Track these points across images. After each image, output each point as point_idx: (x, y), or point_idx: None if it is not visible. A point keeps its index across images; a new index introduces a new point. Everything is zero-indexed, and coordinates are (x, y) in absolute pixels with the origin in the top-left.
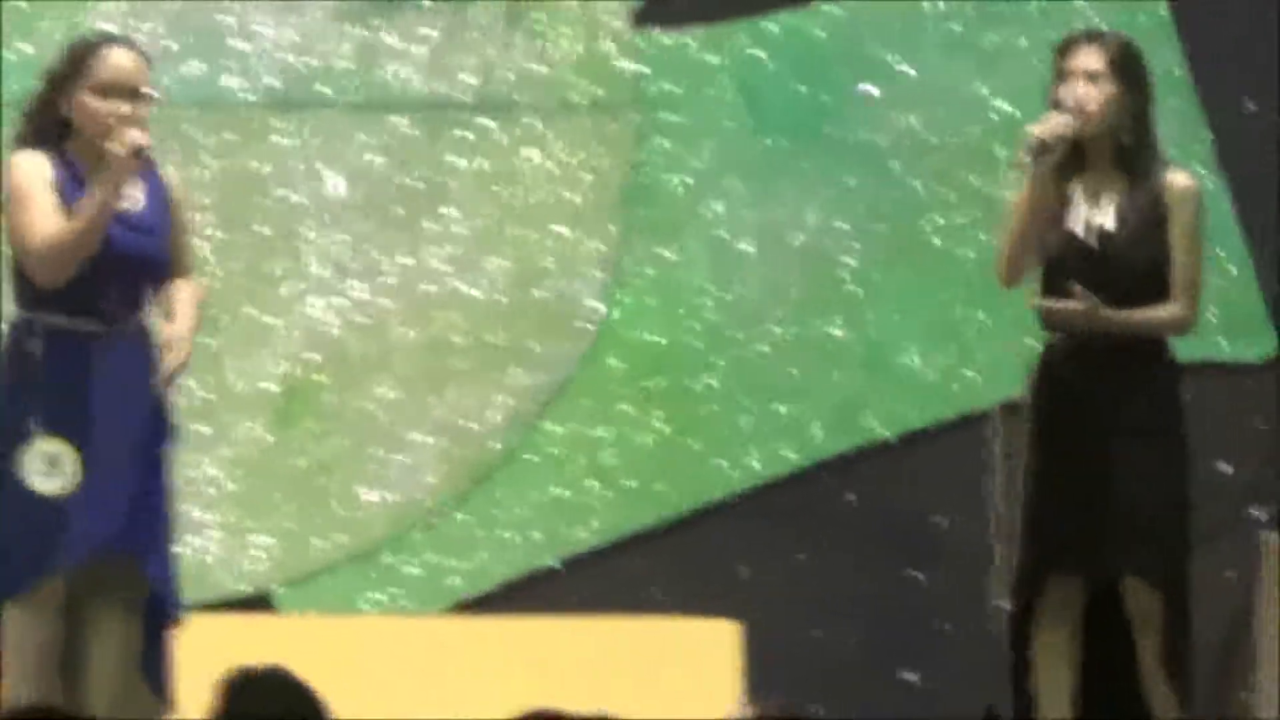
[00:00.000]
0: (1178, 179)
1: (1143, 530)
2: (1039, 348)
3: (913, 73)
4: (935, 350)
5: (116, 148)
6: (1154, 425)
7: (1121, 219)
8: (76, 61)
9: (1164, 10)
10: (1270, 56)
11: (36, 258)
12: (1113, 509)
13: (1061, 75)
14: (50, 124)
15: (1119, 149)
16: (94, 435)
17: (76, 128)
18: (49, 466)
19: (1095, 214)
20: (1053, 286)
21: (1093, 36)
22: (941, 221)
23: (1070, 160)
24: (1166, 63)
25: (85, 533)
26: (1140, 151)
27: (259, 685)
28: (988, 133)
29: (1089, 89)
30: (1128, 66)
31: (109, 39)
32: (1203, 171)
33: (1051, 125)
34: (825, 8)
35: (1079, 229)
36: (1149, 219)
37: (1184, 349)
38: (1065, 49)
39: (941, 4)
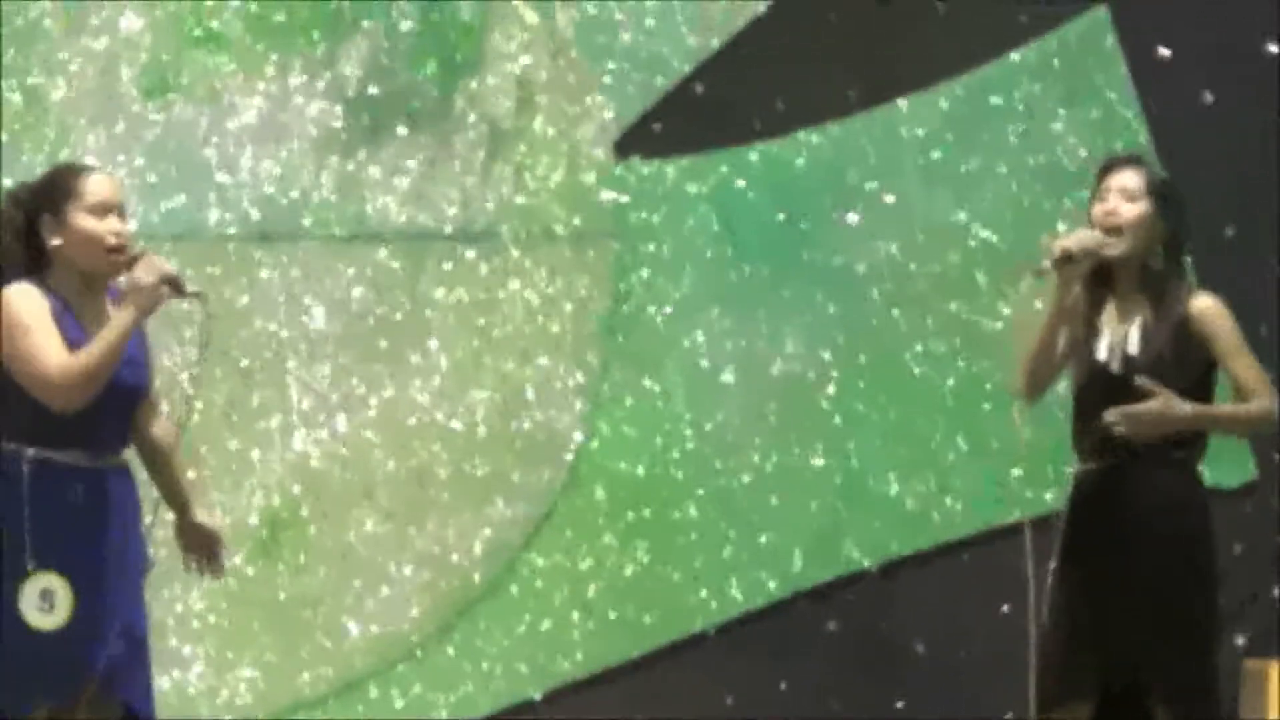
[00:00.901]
0: (1203, 302)
1: (1170, 656)
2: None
3: (892, 200)
4: (915, 479)
5: (144, 276)
6: (1184, 551)
7: (1145, 344)
8: (65, 186)
9: (1143, 136)
10: (1250, 182)
11: (56, 385)
12: (1140, 635)
13: (1099, 194)
14: (34, 253)
15: (1146, 274)
16: (86, 568)
17: (60, 255)
18: (44, 602)
19: (1120, 339)
20: (1081, 412)
21: (1133, 159)
22: (921, 350)
23: (1099, 285)
24: None
25: (80, 664)
26: (1168, 278)
27: None
28: (967, 260)
29: (1123, 205)
30: (1164, 192)
31: (87, 165)
32: None
33: (1079, 237)
34: (804, 136)
35: (1103, 354)
36: (1174, 344)
37: None
38: (1106, 169)
39: (920, 131)
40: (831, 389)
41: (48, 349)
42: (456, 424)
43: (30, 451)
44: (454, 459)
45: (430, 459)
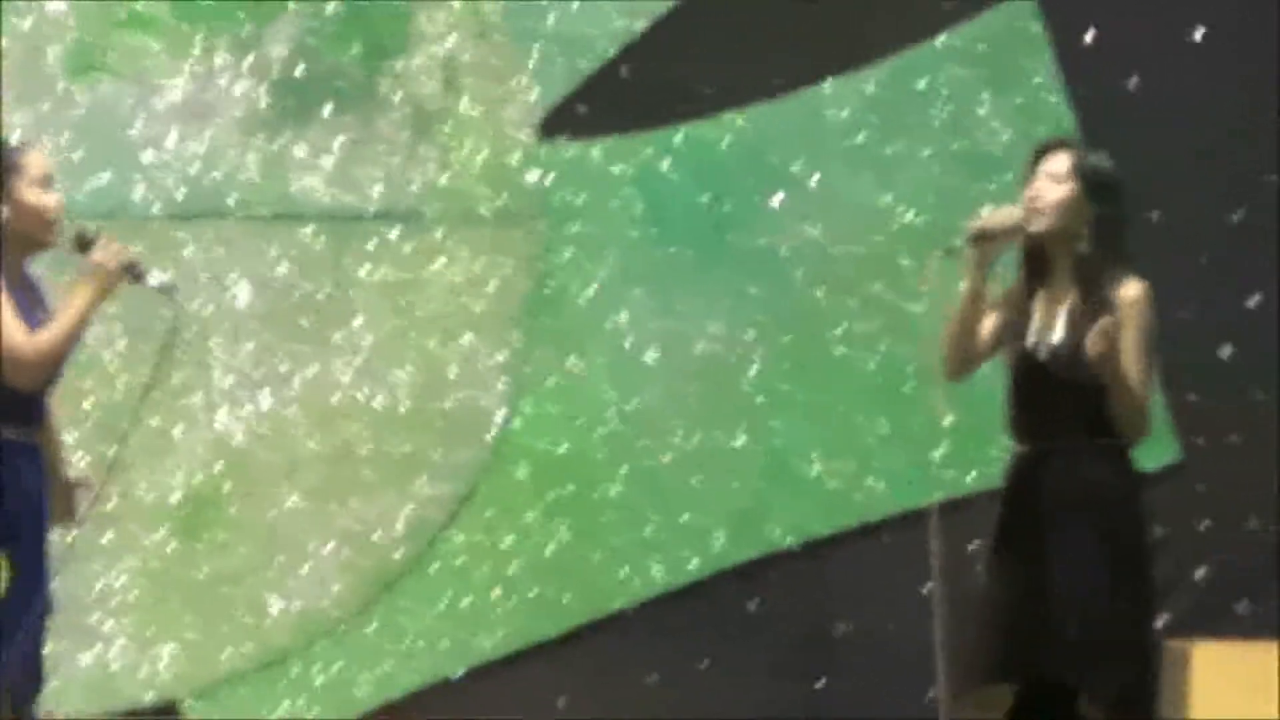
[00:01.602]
0: (1130, 290)
1: (1095, 644)
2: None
3: (816, 182)
4: (837, 459)
5: (106, 258)
6: (1115, 535)
7: (1069, 331)
8: (11, 161)
9: (1068, 121)
10: (1174, 166)
11: (27, 363)
12: (1066, 620)
13: (1030, 177)
14: None
15: (1079, 261)
16: (21, 543)
17: (9, 229)
18: None
19: (1048, 328)
20: (1013, 397)
21: (1064, 143)
22: (844, 331)
23: (1035, 272)
24: None
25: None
26: (1096, 263)
27: None
28: (891, 242)
29: (1049, 186)
30: (1093, 176)
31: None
32: None
33: (995, 215)
34: (729, 118)
35: (1030, 340)
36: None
37: None
38: (1038, 153)
39: (844, 114)
40: (754, 370)
41: (14, 327)
42: (379, 402)
43: None
44: (376, 437)
45: (353, 437)
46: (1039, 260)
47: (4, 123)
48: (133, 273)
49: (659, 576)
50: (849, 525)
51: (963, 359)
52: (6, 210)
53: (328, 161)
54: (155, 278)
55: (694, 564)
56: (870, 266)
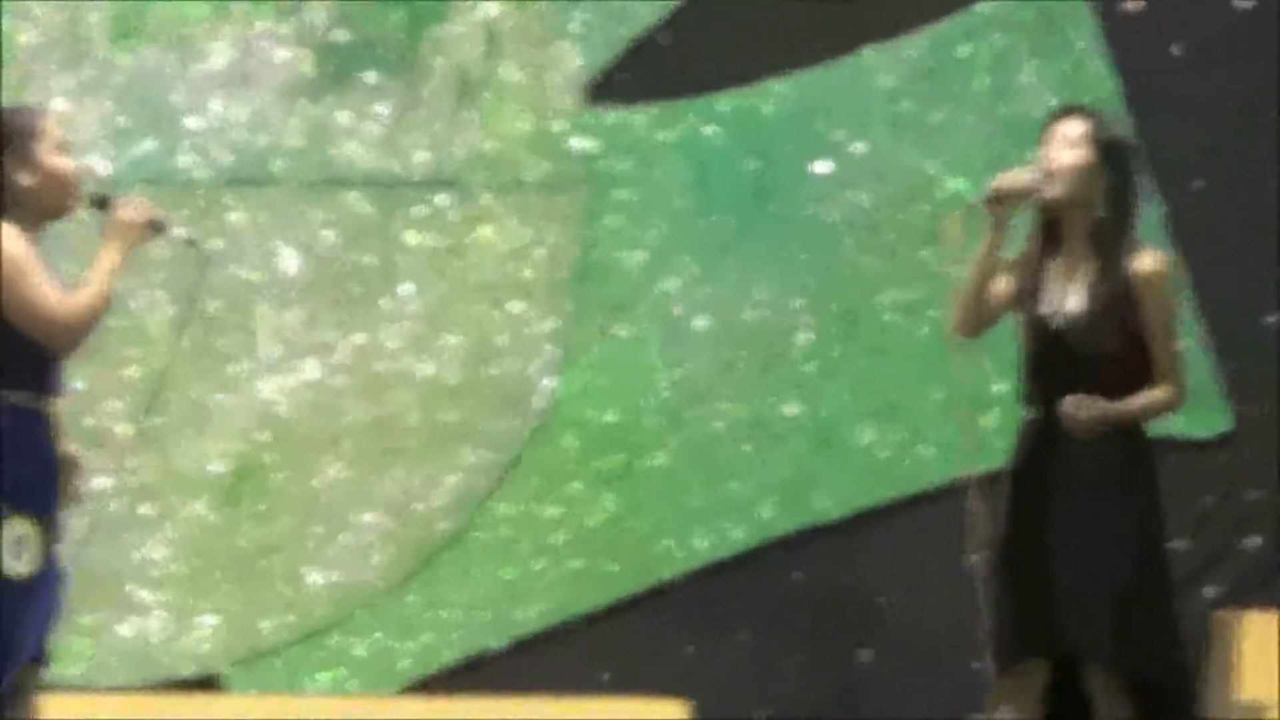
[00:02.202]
0: (1144, 261)
1: (1103, 615)
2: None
3: (862, 150)
4: (886, 428)
5: (133, 216)
6: (1125, 508)
7: (1085, 301)
8: (29, 126)
9: (1112, 87)
10: (1222, 131)
11: (65, 328)
12: (1074, 591)
13: (1045, 141)
14: (7, 195)
15: (1095, 229)
16: (51, 514)
17: (26, 195)
18: (18, 548)
19: (1063, 296)
20: (1026, 363)
21: (1080, 109)
22: (893, 298)
23: (1050, 238)
24: None
25: (53, 611)
26: (1111, 231)
27: None
28: (937, 209)
29: (1064, 151)
30: (1109, 143)
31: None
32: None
33: (1010, 176)
34: (775, 85)
35: (1045, 309)
36: (1115, 302)
37: None
38: (1054, 118)
39: (890, 81)
40: (803, 337)
41: (50, 292)
42: (426, 371)
43: (10, 396)
44: (422, 406)
45: (399, 406)
46: (1053, 225)
47: (46, 90)
48: (155, 227)
49: (704, 547)
50: (897, 495)
51: (974, 318)
52: (28, 176)
53: (372, 128)
54: (178, 231)
55: (739, 535)
56: (917, 234)
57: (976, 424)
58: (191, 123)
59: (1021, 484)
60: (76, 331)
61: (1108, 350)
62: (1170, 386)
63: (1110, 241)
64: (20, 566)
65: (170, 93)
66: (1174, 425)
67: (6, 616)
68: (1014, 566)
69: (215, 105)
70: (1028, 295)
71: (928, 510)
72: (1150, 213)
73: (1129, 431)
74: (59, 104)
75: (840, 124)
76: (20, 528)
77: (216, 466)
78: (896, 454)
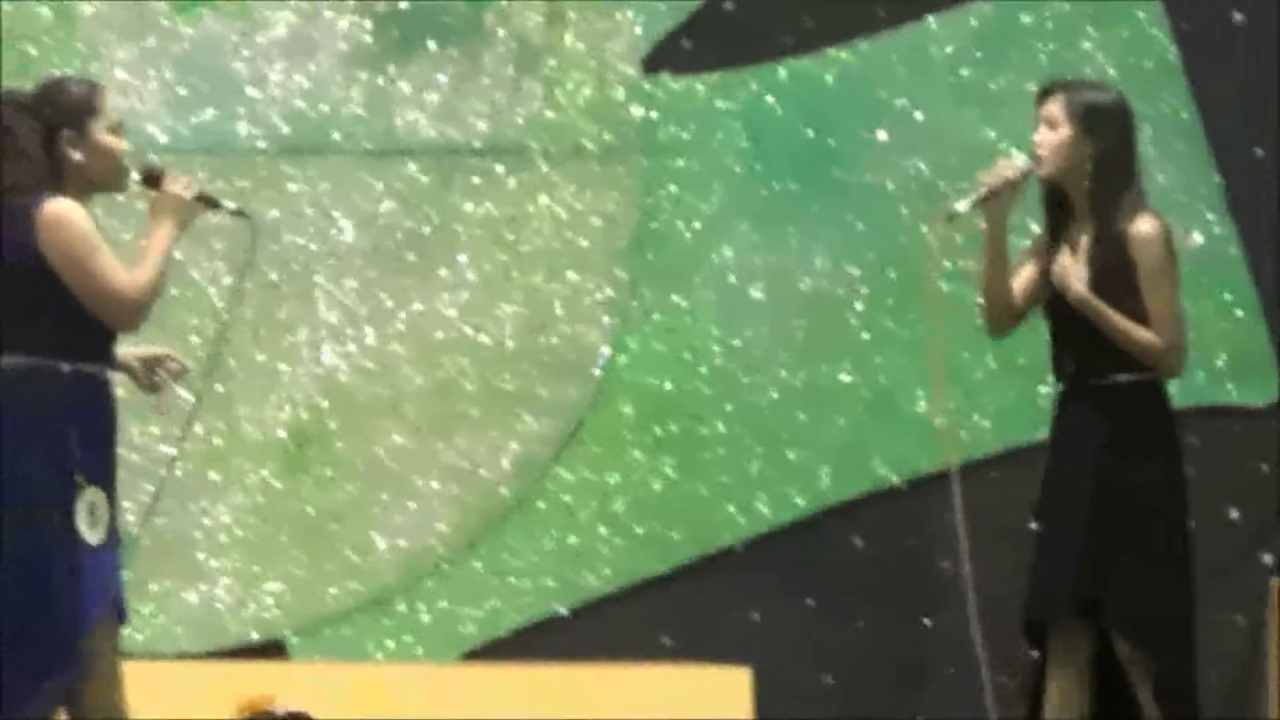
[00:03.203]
0: (1140, 226)
1: (1124, 582)
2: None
3: (921, 117)
4: (943, 395)
5: (182, 190)
6: (1147, 477)
7: (1092, 270)
8: (86, 102)
9: (1172, 55)
10: (1278, 100)
11: (130, 302)
12: (1098, 560)
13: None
14: (55, 167)
15: (1095, 197)
16: (113, 481)
17: (77, 172)
18: (92, 516)
19: (1070, 260)
20: (1052, 342)
21: (1058, 85)
22: (950, 266)
23: (1057, 218)
24: (1174, 107)
25: (116, 576)
26: (1106, 199)
27: None
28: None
29: (1044, 132)
30: (1087, 114)
31: (95, 81)
32: (1211, 216)
33: (996, 170)
34: (834, 53)
35: (1059, 283)
36: (1115, 267)
37: (1191, 393)
38: (1037, 99)
39: (950, 49)
40: (860, 305)
41: (115, 267)
42: (484, 338)
43: (65, 366)
44: (482, 373)
45: (458, 373)
46: (1060, 205)
47: (109, 58)
48: (205, 202)
49: (765, 513)
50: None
51: (1000, 315)
52: (80, 152)
53: (432, 96)
54: (227, 204)
55: (800, 501)
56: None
57: (1035, 392)
58: (252, 91)
59: (1052, 453)
60: (138, 307)
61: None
62: (1157, 337)
63: (1105, 208)
64: (94, 534)
65: (231, 61)
66: (1228, 393)
67: (81, 582)
68: (1041, 531)
69: (276, 74)
70: (1046, 276)
71: (985, 476)
72: (1208, 181)
73: (1150, 402)
74: (120, 73)
75: (901, 92)
76: (92, 495)
77: (281, 433)
78: (953, 420)
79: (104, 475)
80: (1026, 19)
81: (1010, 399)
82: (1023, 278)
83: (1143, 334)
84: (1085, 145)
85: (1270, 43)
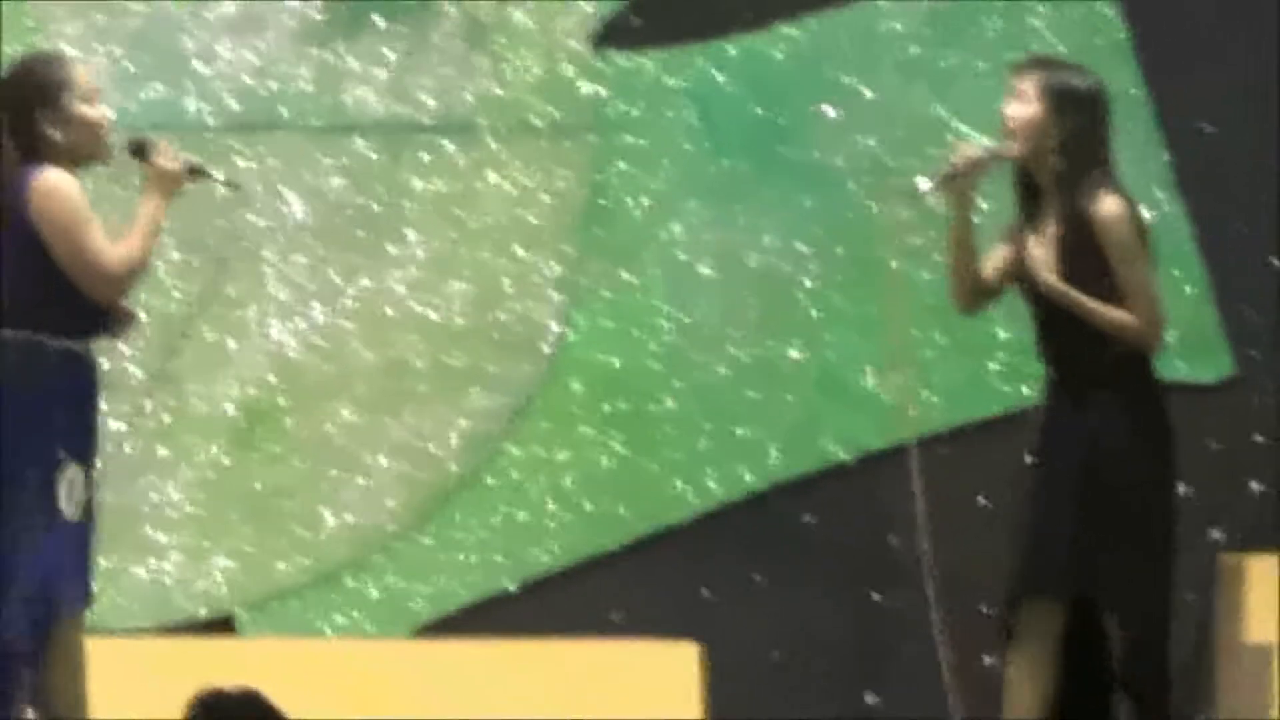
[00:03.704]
0: (1101, 206)
1: (1104, 555)
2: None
3: (871, 94)
4: (892, 372)
5: (169, 163)
6: (1136, 455)
7: (1059, 253)
8: (58, 77)
9: (1122, 33)
10: (1228, 78)
11: (116, 276)
12: (1080, 533)
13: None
14: (42, 148)
15: (1062, 179)
16: (93, 460)
17: (57, 148)
18: (70, 492)
19: (1039, 246)
20: (1034, 327)
21: (1030, 62)
22: (899, 244)
23: (1028, 201)
24: (1124, 84)
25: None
26: (1070, 178)
27: (229, 705)
28: (946, 154)
29: (1016, 109)
30: (1057, 91)
31: (62, 54)
32: (1160, 193)
33: (961, 151)
34: (783, 30)
35: (1031, 264)
36: (1082, 249)
37: None
38: (1015, 72)
39: (899, 26)
40: (809, 282)
41: (104, 243)
42: (434, 315)
43: (53, 341)
44: (431, 350)
45: (407, 350)
46: (1031, 188)
47: (57, 35)
48: (194, 172)
49: (715, 490)
50: (904, 439)
51: (968, 294)
52: (59, 127)
53: (381, 73)
54: (216, 174)
55: (749, 478)
56: (887, 193)
57: (984, 369)
58: (201, 68)
59: (1041, 434)
60: (124, 280)
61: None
62: (1133, 316)
63: (1070, 189)
64: (71, 510)
65: (180, 38)
66: (1177, 370)
67: (58, 559)
68: (1026, 511)
69: (224, 50)
70: (1020, 259)
71: (935, 454)
72: (1157, 159)
73: (1133, 385)
74: (69, 49)
75: (850, 69)
76: (71, 472)
77: (230, 409)
78: (902, 398)
79: (85, 452)
80: None
81: (960, 376)
82: (996, 257)
83: (1117, 314)
84: (1054, 125)
85: (1220, 20)
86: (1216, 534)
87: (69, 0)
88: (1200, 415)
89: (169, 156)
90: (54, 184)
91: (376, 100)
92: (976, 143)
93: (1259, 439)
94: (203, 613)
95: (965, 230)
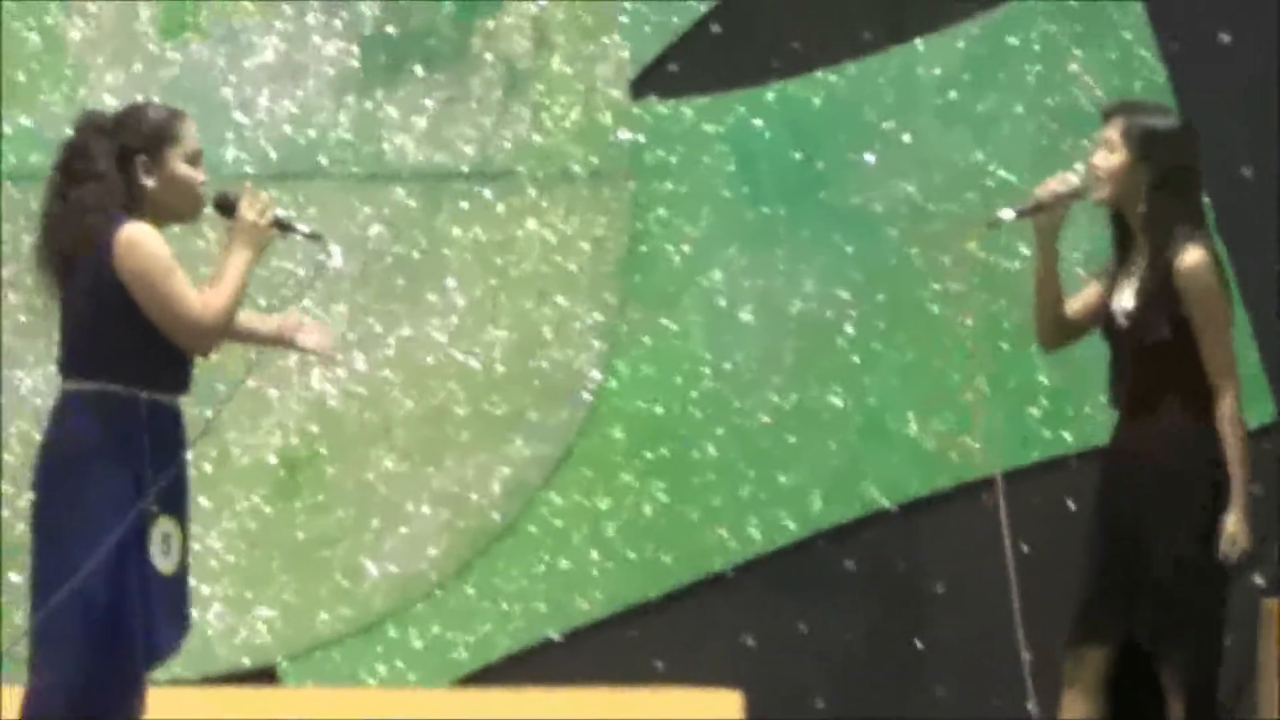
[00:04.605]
0: (1185, 259)
1: (1161, 604)
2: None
3: (909, 140)
4: (933, 418)
5: (258, 217)
6: (1185, 508)
7: (1139, 297)
8: (166, 129)
9: (1161, 78)
10: (1268, 119)
11: (205, 328)
12: (1137, 582)
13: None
14: (133, 195)
15: (1150, 225)
16: (186, 511)
17: (150, 198)
18: (165, 546)
19: (1125, 293)
20: (1110, 368)
21: (1118, 107)
22: (939, 288)
23: (1122, 243)
24: None
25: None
26: (1159, 227)
27: None
28: (984, 199)
29: (1102, 155)
30: (1144, 138)
31: (177, 109)
32: None
33: (1049, 184)
34: (822, 76)
35: (1115, 307)
36: (1159, 297)
37: None
38: (1101, 120)
39: (938, 71)
40: (849, 328)
41: (190, 292)
42: (474, 363)
43: (143, 394)
44: (472, 398)
45: (448, 398)
46: (1125, 231)
47: (97, 84)
48: (280, 225)
49: (756, 537)
50: (946, 485)
51: (1053, 330)
52: (154, 180)
53: (420, 121)
54: (304, 226)
55: (791, 525)
56: (964, 224)
57: (1025, 415)
58: (240, 117)
59: (1103, 480)
60: (214, 333)
61: (1156, 342)
62: (1223, 401)
63: (1154, 234)
64: (166, 564)
65: (219, 87)
66: None
67: (153, 611)
68: (1088, 555)
69: (263, 99)
70: (1109, 297)
71: (976, 499)
72: None
73: (1200, 431)
74: (108, 99)
75: (889, 114)
76: (165, 525)
77: (271, 458)
78: (942, 444)
79: (177, 505)
80: (1013, 40)
81: (1000, 421)
82: (1085, 295)
83: (1231, 438)
84: (1141, 170)
85: (1258, 62)
86: (1259, 579)
87: (108, 48)
88: None
89: (257, 211)
90: (138, 235)
91: (415, 149)
92: (1063, 177)
93: None
94: (245, 662)
95: (1049, 265)
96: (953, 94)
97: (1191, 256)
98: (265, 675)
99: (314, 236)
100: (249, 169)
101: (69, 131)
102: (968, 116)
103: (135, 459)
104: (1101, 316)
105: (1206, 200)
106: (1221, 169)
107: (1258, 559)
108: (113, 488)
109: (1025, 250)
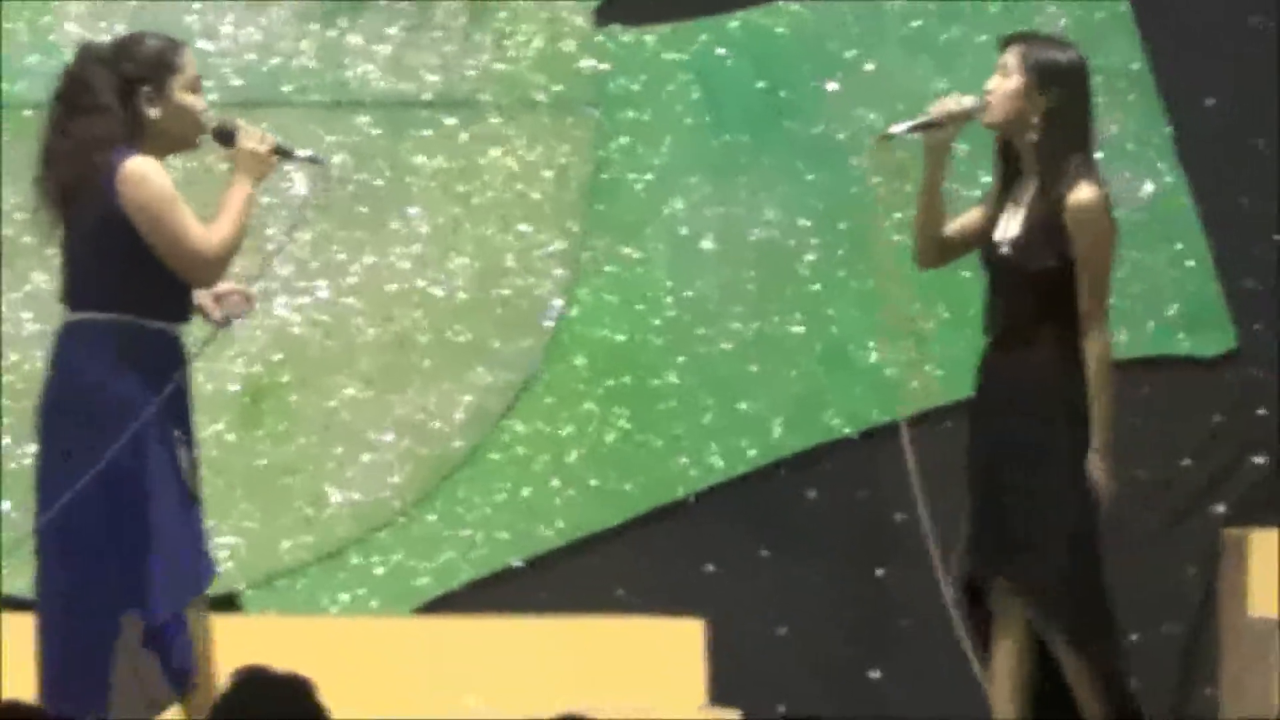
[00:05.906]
0: (1078, 194)
1: (1023, 540)
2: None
3: (873, 69)
4: (895, 346)
5: (258, 146)
6: (1052, 433)
7: (1025, 227)
8: (167, 59)
9: (1124, 6)
10: (1230, 51)
11: (209, 259)
12: (1001, 517)
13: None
14: (136, 125)
15: (1042, 155)
16: (193, 441)
17: (153, 129)
18: (194, 473)
19: (1010, 222)
20: (986, 296)
21: (1019, 36)
22: (901, 217)
23: (1007, 170)
24: (1125, 57)
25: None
26: (1049, 154)
27: (267, 685)
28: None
29: (997, 80)
30: (1041, 68)
31: (175, 38)
32: (1162, 166)
33: (943, 103)
34: (785, 5)
35: (996, 235)
36: (1046, 229)
37: (1142, 344)
38: (1000, 47)
39: (901, 1)
40: (811, 256)
41: (194, 224)
42: (437, 291)
43: (148, 323)
44: (435, 326)
45: (411, 325)
46: (1010, 158)
47: (60, 11)
48: (281, 153)
49: (718, 465)
50: (907, 413)
51: (931, 249)
52: (158, 110)
53: (383, 49)
54: (301, 152)
55: (752, 452)
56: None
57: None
58: (204, 44)
59: (973, 405)
60: (218, 264)
61: (1036, 275)
62: (1092, 341)
63: (1049, 164)
64: (196, 492)
65: (183, 15)
66: (1180, 344)
67: (194, 534)
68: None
69: (227, 27)
70: (990, 224)
71: (937, 427)
72: (1159, 131)
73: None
74: (72, 27)
75: (852, 43)
76: (185, 452)
77: (234, 386)
78: (904, 372)
79: (189, 433)
80: None
81: (962, 350)
82: (965, 218)
83: (1097, 381)
84: (1034, 98)
85: None
86: (1219, 508)
87: None
88: (1202, 389)
89: (256, 139)
90: (144, 171)
91: (379, 76)
92: (959, 97)
93: (1261, 412)
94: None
95: (934, 185)
96: (916, 23)
97: (1085, 193)
98: (227, 602)
99: (313, 160)
100: (212, 96)
101: (32, 59)
102: (931, 46)
103: (141, 386)
104: (981, 240)
105: (1168, 129)
106: (1182, 98)
107: (1218, 488)
108: (120, 414)
109: (986, 178)
